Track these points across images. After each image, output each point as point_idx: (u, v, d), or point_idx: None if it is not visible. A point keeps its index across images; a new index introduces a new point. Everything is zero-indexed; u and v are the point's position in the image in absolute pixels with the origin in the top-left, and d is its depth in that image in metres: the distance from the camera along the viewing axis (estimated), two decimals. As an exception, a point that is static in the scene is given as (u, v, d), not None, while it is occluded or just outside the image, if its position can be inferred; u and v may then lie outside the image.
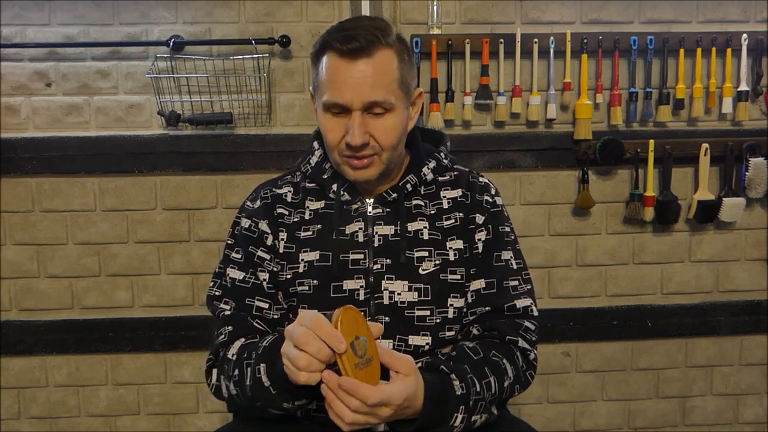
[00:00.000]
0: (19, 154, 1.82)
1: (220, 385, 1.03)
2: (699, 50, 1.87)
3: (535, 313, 1.08)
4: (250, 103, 1.85)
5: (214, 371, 1.05)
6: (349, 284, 1.05)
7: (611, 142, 1.86)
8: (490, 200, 1.12)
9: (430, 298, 1.05)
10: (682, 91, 1.89)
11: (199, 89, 1.82)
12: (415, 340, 1.05)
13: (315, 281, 1.05)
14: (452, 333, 1.07)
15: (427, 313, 1.05)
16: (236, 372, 0.97)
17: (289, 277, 1.06)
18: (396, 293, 1.05)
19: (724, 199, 1.92)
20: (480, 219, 1.10)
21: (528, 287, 1.10)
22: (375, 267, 1.06)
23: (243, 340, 1.03)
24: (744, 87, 1.90)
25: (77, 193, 1.86)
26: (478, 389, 0.94)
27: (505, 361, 1.01)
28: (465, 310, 1.08)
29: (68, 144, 1.83)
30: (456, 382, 0.92)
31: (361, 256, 1.06)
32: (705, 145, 1.89)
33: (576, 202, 1.92)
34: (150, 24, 1.81)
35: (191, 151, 1.85)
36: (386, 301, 1.05)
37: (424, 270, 1.06)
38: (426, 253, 1.07)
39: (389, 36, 1.00)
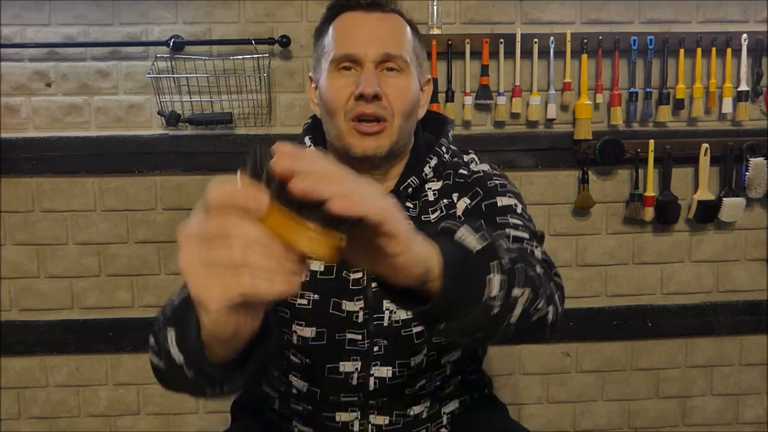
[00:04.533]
0: (19, 154, 1.82)
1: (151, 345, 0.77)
2: (699, 50, 1.87)
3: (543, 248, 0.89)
4: (250, 103, 1.85)
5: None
6: (348, 305, 0.94)
7: (611, 142, 1.86)
8: (467, 172, 1.01)
9: None
10: (682, 91, 1.89)
11: (199, 89, 1.82)
12: (415, 359, 0.95)
13: (316, 296, 0.94)
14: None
15: (421, 327, 0.94)
16: (157, 335, 0.73)
17: None
18: (393, 312, 0.93)
19: (724, 199, 1.92)
20: (456, 196, 0.98)
21: (532, 228, 0.92)
22: (374, 284, 0.93)
23: None
24: (744, 87, 1.90)
25: (77, 193, 1.86)
26: (506, 247, 0.69)
27: (526, 254, 0.78)
28: None
29: (68, 144, 1.83)
30: (471, 235, 0.64)
31: (360, 274, 0.94)
32: (705, 145, 1.89)
33: (576, 202, 1.92)
34: (150, 24, 1.81)
35: (191, 151, 1.85)
36: (386, 323, 0.93)
37: None
38: None
39: (403, 12, 0.98)
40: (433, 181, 1.00)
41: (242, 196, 0.45)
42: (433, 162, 0.99)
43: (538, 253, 0.87)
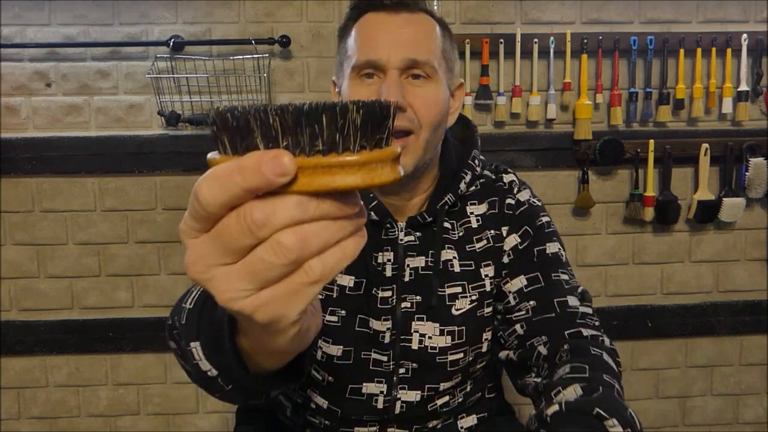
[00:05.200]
0: (19, 154, 1.82)
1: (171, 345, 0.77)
2: (699, 50, 1.87)
3: (589, 296, 0.91)
4: (250, 103, 1.84)
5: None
6: (375, 324, 0.91)
7: (611, 142, 1.86)
8: (513, 202, 0.97)
9: (465, 340, 0.91)
10: (682, 91, 1.89)
11: (199, 89, 1.82)
12: (445, 384, 0.93)
13: (343, 311, 0.90)
14: (483, 364, 0.97)
15: (461, 355, 0.92)
16: (172, 327, 0.71)
17: (320, 297, 0.90)
18: (427, 336, 0.90)
19: (724, 199, 1.92)
20: (505, 230, 0.95)
21: (577, 284, 0.93)
22: (403, 305, 0.91)
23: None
24: (744, 87, 1.90)
25: (77, 193, 1.86)
26: (639, 426, 0.73)
27: (605, 355, 0.80)
28: (506, 312, 0.92)
29: (68, 144, 1.83)
30: (617, 429, 0.69)
31: (389, 293, 0.91)
32: (705, 145, 1.89)
33: (576, 202, 1.93)
34: (150, 24, 1.81)
35: (191, 151, 1.85)
36: (415, 346, 0.90)
37: (458, 309, 0.91)
38: (459, 289, 0.91)
39: (433, 11, 0.91)
40: (475, 203, 0.96)
41: (255, 173, 0.33)
42: (468, 177, 0.95)
43: (606, 341, 0.85)
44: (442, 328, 0.90)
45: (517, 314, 0.89)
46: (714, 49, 1.88)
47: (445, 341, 0.90)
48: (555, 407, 0.72)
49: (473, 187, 0.97)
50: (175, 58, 1.81)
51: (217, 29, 1.83)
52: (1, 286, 1.87)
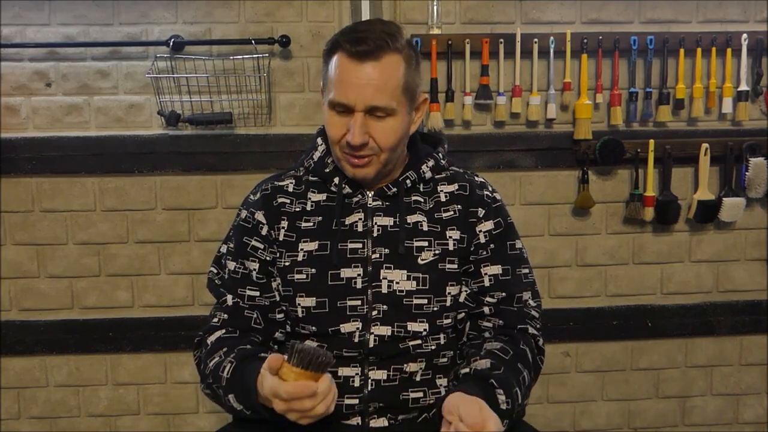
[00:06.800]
0: (19, 154, 1.82)
1: (199, 363, 1.11)
2: (699, 50, 1.87)
3: (539, 302, 1.16)
4: (250, 103, 1.85)
5: (199, 351, 1.14)
6: (346, 272, 1.08)
7: (611, 142, 1.86)
8: (490, 195, 1.16)
9: (428, 287, 1.09)
10: (682, 91, 1.89)
11: (199, 89, 1.82)
12: (413, 326, 1.09)
13: (313, 269, 1.08)
14: (449, 320, 1.12)
15: (425, 301, 1.09)
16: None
17: (287, 264, 1.10)
18: (395, 282, 1.08)
19: (724, 199, 1.92)
20: (482, 212, 1.13)
21: (533, 278, 1.16)
22: (374, 256, 1.09)
23: (223, 332, 1.10)
24: (744, 87, 1.90)
25: (77, 193, 1.86)
26: (520, 401, 1.01)
27: (528, 351, 1.08)
28: (480, 292, 1.12)
29: (68, 144, 1.83)
30: (502, 398, 0.97)
31: (360, 245, 1.09)
32: (705, 145, 1.89)
33: (576, 202, 1.93)
34: (150, 24, 1.82)
35: (191, 151, 1.86)
36: (384, 290, 1.08)
37: (423, 260, 1.09)
38: (425, 243, 1.10)
39: (399, 41, 1.04)
40: (444, 184, 1.15)
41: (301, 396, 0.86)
42: (431, 163, 1.14)
43: (540, 342, 1.12)
44: (409, 274, 1.09)
45: (488, 299, 1.12)
46: (714, 49, 1.88)
47: (411, 285, 1.08)
48: (466, 369, 1.03)
49: (442, 174, 1.16)
50: (175, 58, 1.81)
51: (217, 29, 1.83)
52: (1, 286, 1.87)
